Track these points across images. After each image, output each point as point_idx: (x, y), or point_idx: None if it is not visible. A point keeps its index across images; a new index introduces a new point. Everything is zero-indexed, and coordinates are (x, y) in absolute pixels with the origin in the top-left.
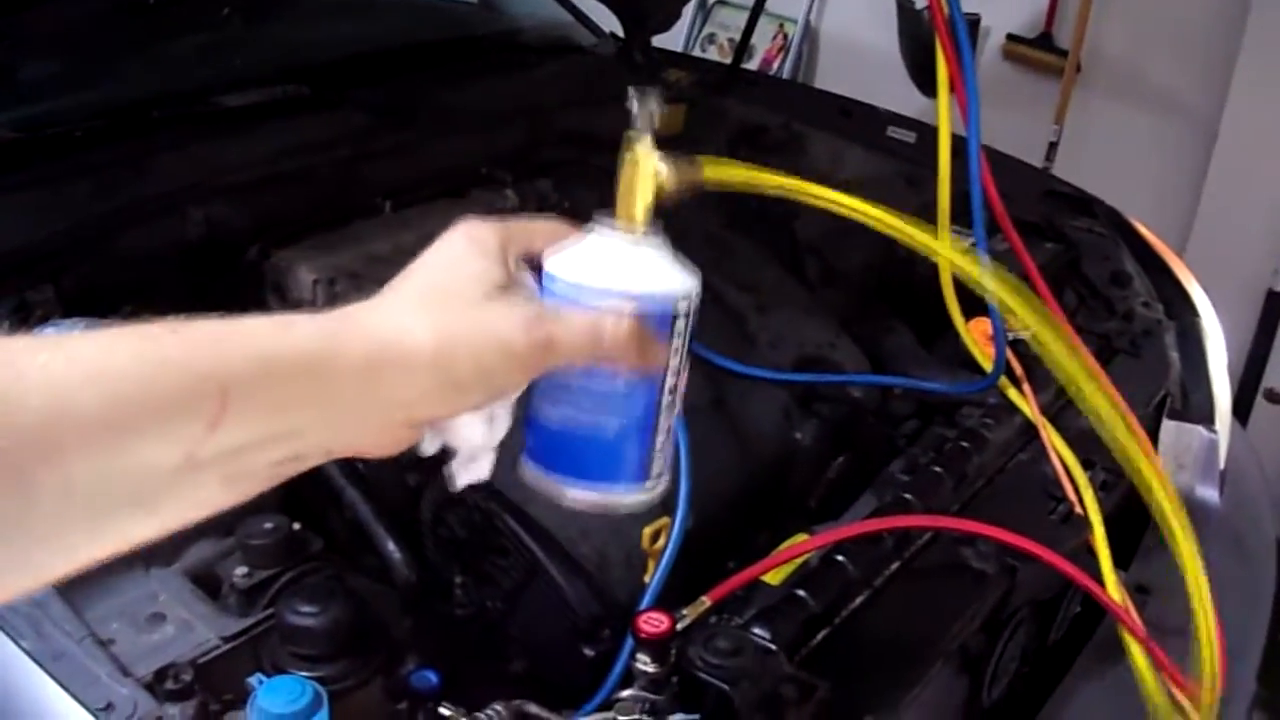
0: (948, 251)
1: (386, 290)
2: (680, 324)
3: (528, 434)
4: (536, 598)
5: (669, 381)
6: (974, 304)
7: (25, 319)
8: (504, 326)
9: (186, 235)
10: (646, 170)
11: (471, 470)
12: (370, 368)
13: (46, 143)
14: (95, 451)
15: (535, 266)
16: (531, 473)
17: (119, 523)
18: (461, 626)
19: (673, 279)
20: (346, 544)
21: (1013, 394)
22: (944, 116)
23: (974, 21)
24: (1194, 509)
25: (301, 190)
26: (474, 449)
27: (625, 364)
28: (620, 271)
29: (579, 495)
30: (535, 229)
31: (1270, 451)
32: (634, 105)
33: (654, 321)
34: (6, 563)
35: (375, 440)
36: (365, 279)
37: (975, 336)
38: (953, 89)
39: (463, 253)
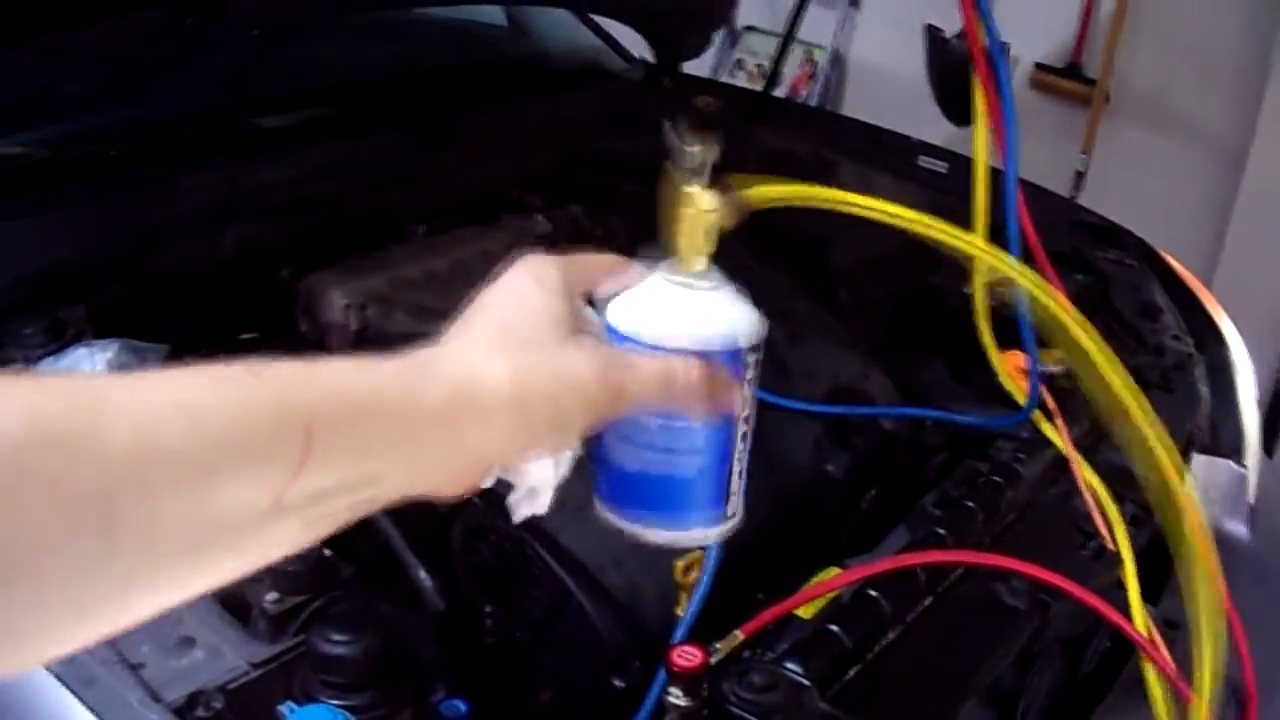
0: (984, 253)
1: (455, 330)
2: (748, 362)
3: (601, 478)
4: (566, 627)
5: (741, 419)
6: (1006, 337)
7: (58, 337)
8: (577, 371)
9: (219, 255)
10: (703, 211)
11: (532, 504)
12: (450, 411)
13: (80, 162)
14: (182, 490)
15: (592, 302)
16: (608, 516)
17: (204, 564)
18: (491, 655)
19: (736, 319)
20: (377, 570)
21: (1046, 428)
22: (980, 148)
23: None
24: (1222, 543)
25: (334, 212)
26: (537, 485)
27: (697, 408)
28: (686, 319)
29: (658, 536)
30: (594, 265)
31: None
32: (685, 146)
33: (723, 364)
34: (93, 603)
35: (450, 481)
36: (397, 304)
37: (1008, 369)
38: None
39: (528, 291)
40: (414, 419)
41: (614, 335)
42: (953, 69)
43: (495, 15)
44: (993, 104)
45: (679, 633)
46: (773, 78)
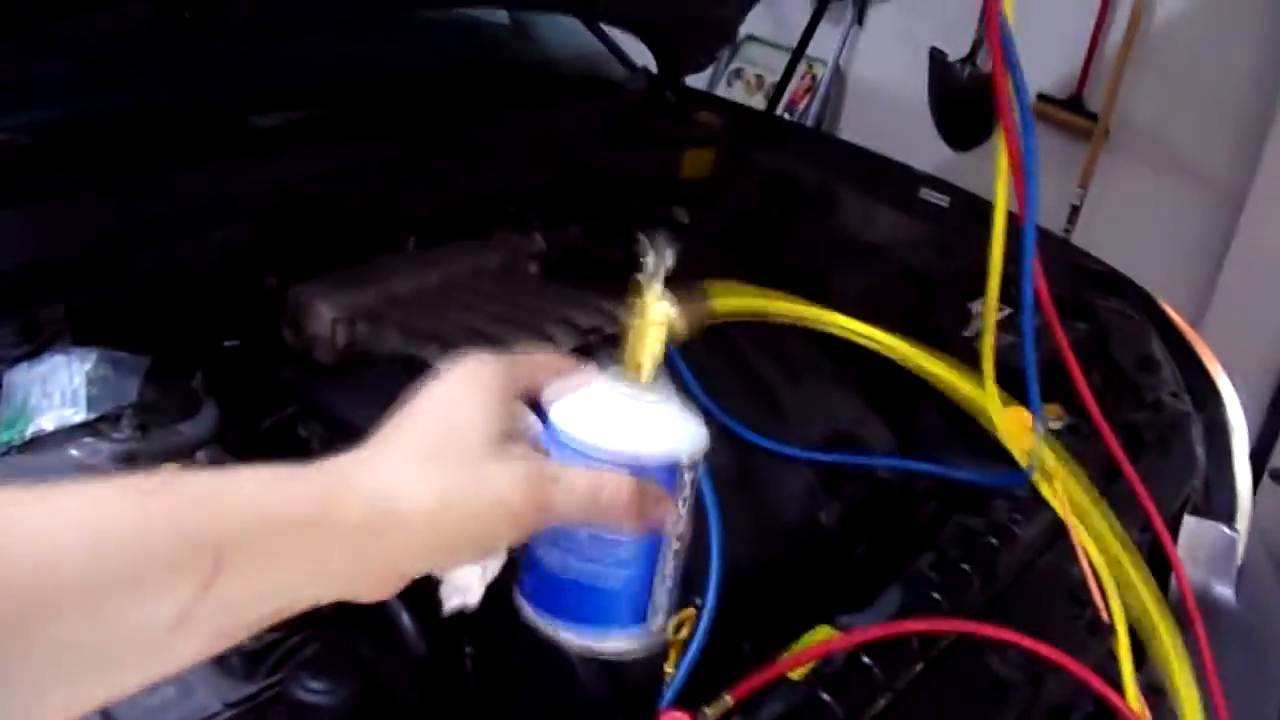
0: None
1: (383, 435)
2: (685, 479)
3: (524, 572)
4: (548, 673)
5: (673, 534)
6: (1007, 387)
7: (33, 339)
8: (503, 487)
9: (204, 258)
10: (654, 321)
11: (462, 597)
12: (366, 530)
13: (64, 152)
14: (87, 612)
15: (537, 403)
16: (528, 614)
17: (108, 678)
18: (470, 699)
19: (678, 434)
20: (356, 607)
21: (1045, 490)
22: (1000, 199)
23: None
24: (1209, 607)
25: (325, 218)
26: (465, 584)
27: (626, 524)
28: (624, 429)
29: (575, 640)
30: (539, 365)
31: (1276, 532)
32: (643, 252)
33: (657, 480)
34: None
35: (366, 591)
36: (386, 321)
37: (1010, 427)
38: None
39: (464, 398)
40: (329, 537)
41: (552, 440)
42: (955, 94)
43: (498, 13)
44: (1015, 156)
45: (668, 696)
46: (777, 97)
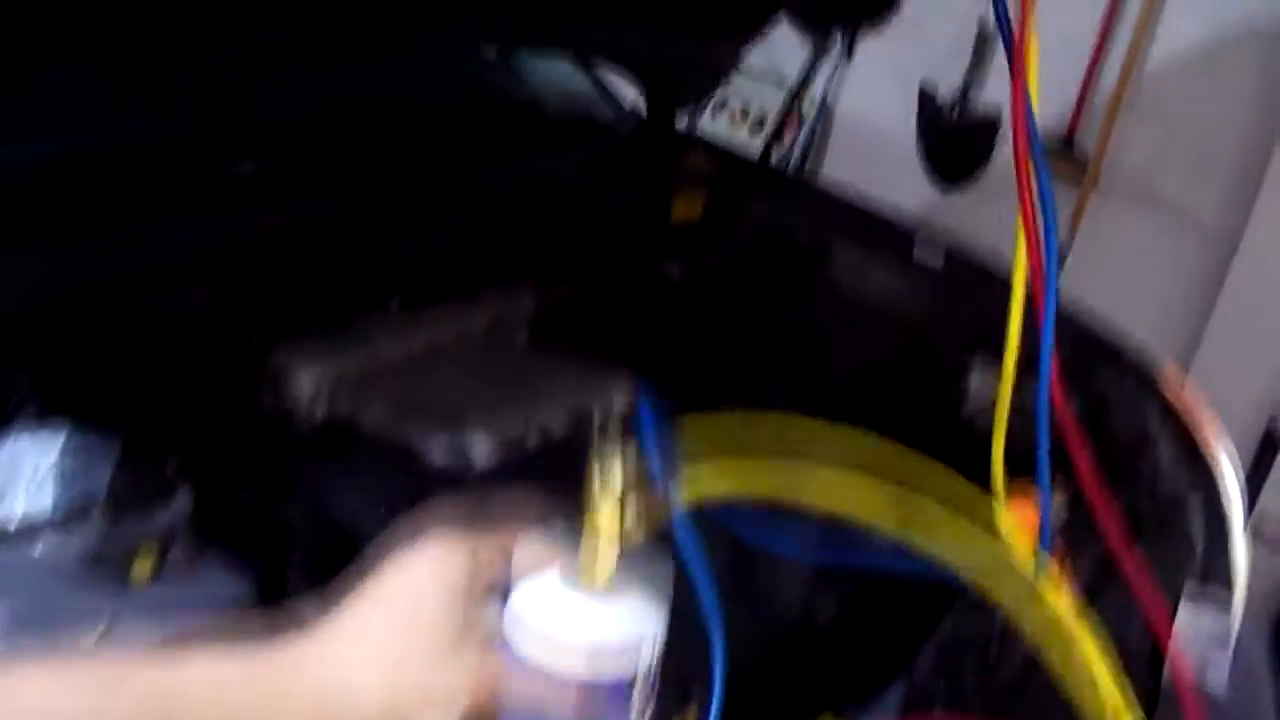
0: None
1: (340, 626)
2: (640, 683)
3: None
4: None
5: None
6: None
7: (2, 403)
8: (453, 691)
9: (182, 311)
10: (611, 529)
11: None
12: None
13: (37, 196)
14: None
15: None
16: None
17: None
18: None
19: (634, 639)
20: None
21: (1049, 594)
22: (1019, 280)
23: (994, 121)
24: (1203, 693)
25: (307, 271)
26: None
27: None
28: (576, 640)
29: None
30: (508, 551)
31: (1254, 591)
32: (596, 462)
33: (609, 688)
34: None
35: None
36: (369, 391)
37: (1014, 517)
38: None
39: (424, 593)
40: None
41: (510, 622)
42: (945, 132)
43: (485, 54)
44: (1034, 249)
45: None
46: (772, 142)
